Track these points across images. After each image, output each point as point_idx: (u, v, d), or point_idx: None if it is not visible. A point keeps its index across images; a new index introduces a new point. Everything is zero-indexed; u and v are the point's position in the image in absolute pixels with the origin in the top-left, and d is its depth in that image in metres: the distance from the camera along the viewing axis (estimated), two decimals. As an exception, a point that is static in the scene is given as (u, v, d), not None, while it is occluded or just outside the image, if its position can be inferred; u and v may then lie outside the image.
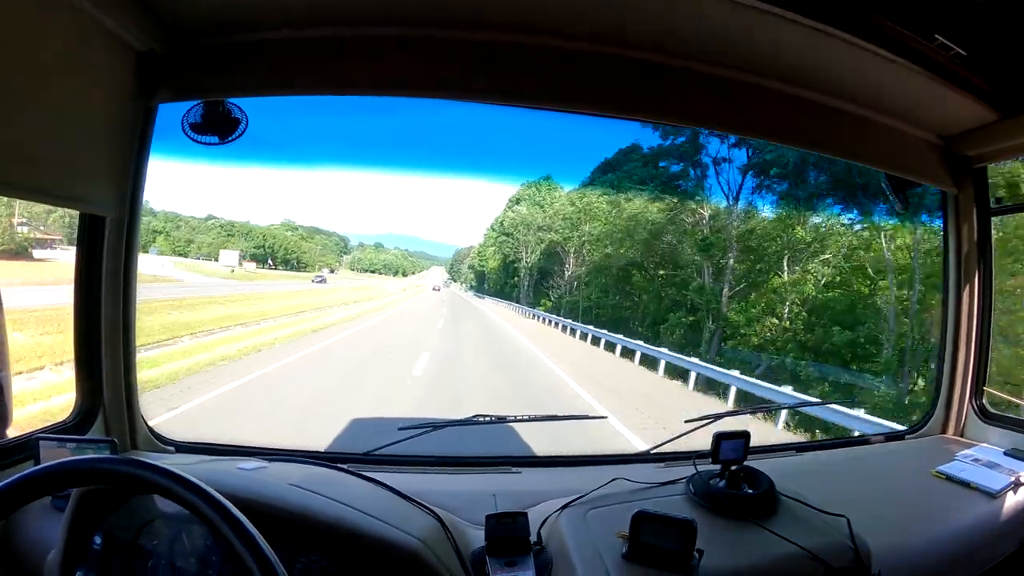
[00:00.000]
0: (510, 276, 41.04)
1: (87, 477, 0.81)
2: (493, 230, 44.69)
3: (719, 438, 1.41)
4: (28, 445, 1.39)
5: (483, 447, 2.10)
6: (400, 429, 1.75)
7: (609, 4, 1.51)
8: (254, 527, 0.76)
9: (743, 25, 1.53)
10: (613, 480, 1.45)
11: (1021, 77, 1.75)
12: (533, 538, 1.23)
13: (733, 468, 1.42)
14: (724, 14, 1.46)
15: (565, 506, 1.32)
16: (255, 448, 1.76)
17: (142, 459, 0.80)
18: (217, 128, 1.68)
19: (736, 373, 10.82)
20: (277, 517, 1.05)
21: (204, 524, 0.77)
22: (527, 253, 36.81)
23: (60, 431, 1.55)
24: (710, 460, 1.43)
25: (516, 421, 1.94)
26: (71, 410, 1.64)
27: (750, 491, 1.39)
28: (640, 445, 6.25)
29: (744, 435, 1.43)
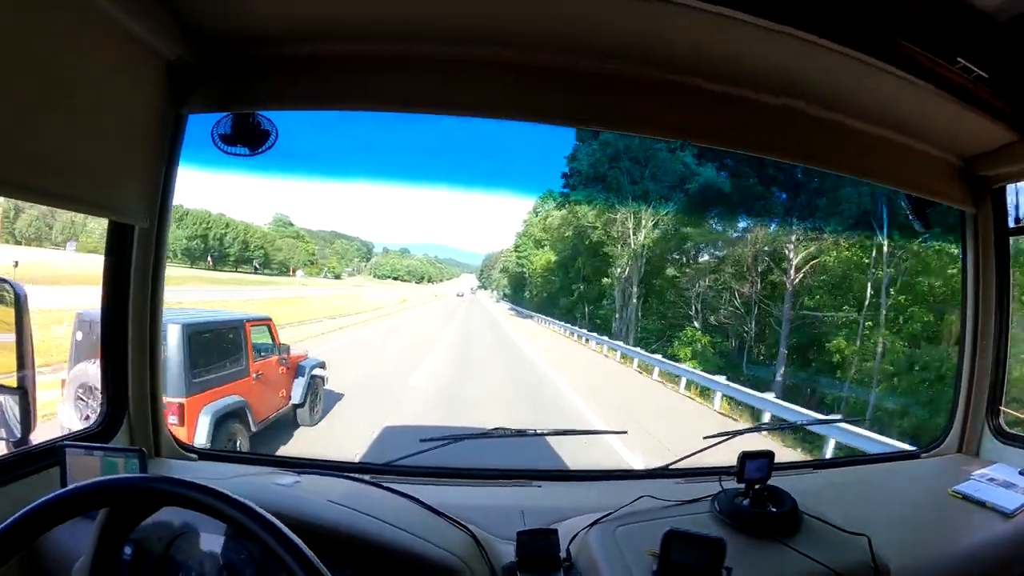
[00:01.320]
0: (578, 279, 23.82)
1: (131, 495, 0.82)
2: (535, 213, 29.84)
3: (744, 457, 1.42)
4: (54, 451, 1.39)
5: (501, 458, 2.10)
6: (422, 440, 1.76)
7: (639, 29, 1.53)
8: (307, 546, 0.76)
9: (768, 49, 1.54)
10: (640, 498, 1.46)
11: None
12: (563, 554, 1.24)
13: (757, 487, 1.43)
14: (750, 38, 1.48)
15: (594, 523, 1.33)
16: (276, 457, 1.77)
17: (187, 479, 0.81)
18: (247, 140, 1.69)
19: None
20: (316, 533, 1.05)
21: (251, 542, 0.77)
22: (636, 228, 19.45)
23: (85, 438, 1.56)
24: (734, 478, 1.44)
25: (537, 435, 1.94)
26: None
27: (774, 510, 1.40)
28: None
29: (768, 455, 1.44)
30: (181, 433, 4.62)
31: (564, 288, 25.62)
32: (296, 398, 6.38)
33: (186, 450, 1.74)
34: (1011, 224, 2.13)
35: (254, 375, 5.85)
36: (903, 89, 1.67)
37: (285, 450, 6.23)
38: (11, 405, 1.66)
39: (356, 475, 1.50)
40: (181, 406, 4.77)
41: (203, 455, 1.75)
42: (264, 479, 1.39)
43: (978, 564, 1.53)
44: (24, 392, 1.74)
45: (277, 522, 0.77)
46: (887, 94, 1.73)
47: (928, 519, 1.69)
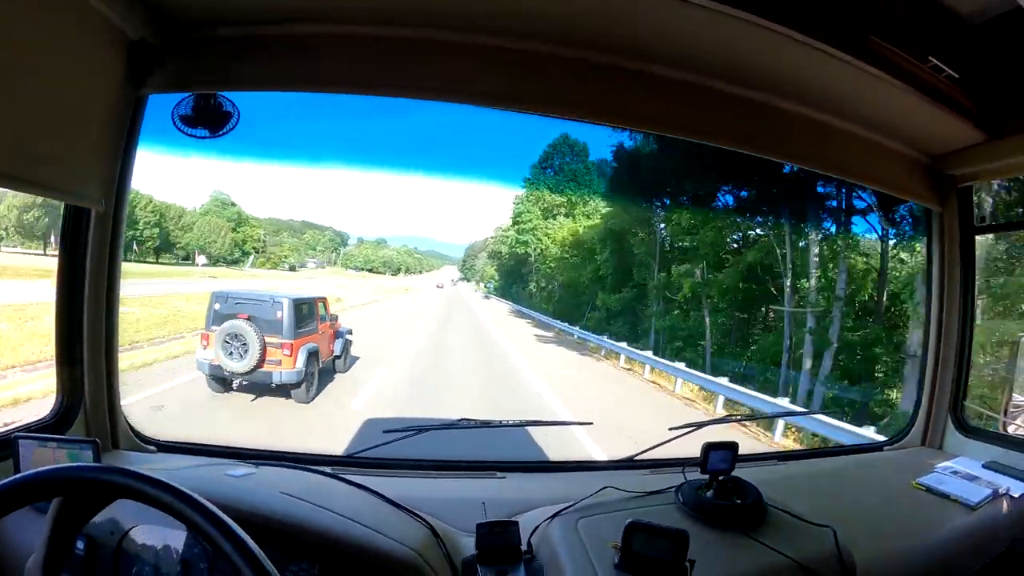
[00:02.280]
0: (654, 258, 15.03)
1: (76, 486, 0.79)
2: (543, 169, 20.40)
3: (708, 448, 1.42)
4: (6, 444, 1.34)
5: (468, 448, 2.08)
6: (385, 432, 1.74)
7: (614, 17, 1.51)
8: (252, 540, 0.74)
9: (740, 40, 1.54)
10: (603, 489, 1.45)
11: (1010, 100, 1.78)
12: (523, 546, 1.23)
13: (721, 479, 1.43)
14: (726, 31, 1.47)
15: (555, 515, 1.32)
16: (236, 448, 1.73)
17: (136, 469, 0.78)
18: (208, 121, 1.64)
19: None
20: (267, 526, 1.03)
21: (199, 535, 0.75)
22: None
23: (39, 429, 1.51)
24: (698, 469, 1.44)
25: (502, 426, 1.93)
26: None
27: (738, 501, 1.40)
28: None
29: (732, 446, 1.45)
30: (289, 363, 7.80)
31: (610, 278, 15.01)
32: (336, 352, 9.74)
33: (144, 441, 1.70)
34: (976, 223, 2.17)
35: (320, 333, 9.02)
36: (874, 86, 1.68)
37: (331, 386, 9.09)
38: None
39: (316, 467, 1.48)
40: (292, 345, 7.95)
41: (161, 447, 1.70)
42: (216, 470, 1.36)
43: (941, 556, 1.55)
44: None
45: (222, 514, 0.75)
46: (858, 91, 1.74)
47: (892, 511, 1.71)
